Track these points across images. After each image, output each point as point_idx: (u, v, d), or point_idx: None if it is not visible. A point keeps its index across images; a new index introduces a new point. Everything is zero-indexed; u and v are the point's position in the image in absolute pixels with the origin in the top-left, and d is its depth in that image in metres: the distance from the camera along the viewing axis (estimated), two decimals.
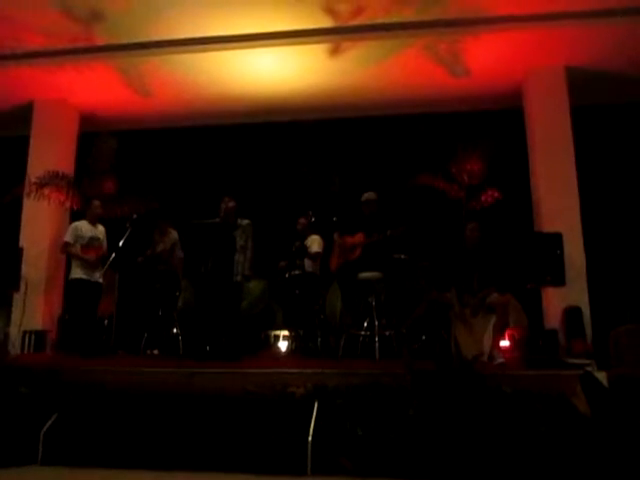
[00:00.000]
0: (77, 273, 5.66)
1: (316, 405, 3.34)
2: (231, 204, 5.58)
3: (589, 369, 3.95)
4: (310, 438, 3.08)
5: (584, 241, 6.28)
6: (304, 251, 5.89)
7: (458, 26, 6.09)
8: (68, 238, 5.72)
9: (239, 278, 5.46)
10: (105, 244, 5.95)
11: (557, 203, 6.44)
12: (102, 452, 3.30)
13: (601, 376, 3.82)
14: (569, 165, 6.51)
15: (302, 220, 6.14)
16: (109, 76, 7.02)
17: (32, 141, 7.50)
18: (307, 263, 5.92)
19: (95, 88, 7.33)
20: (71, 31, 6.15)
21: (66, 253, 5.87)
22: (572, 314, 5.97)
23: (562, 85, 6.68)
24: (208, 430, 3.31)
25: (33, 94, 7.48)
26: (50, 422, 3.43)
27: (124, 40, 6.38)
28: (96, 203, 5.99)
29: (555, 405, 3.14)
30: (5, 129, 8.13)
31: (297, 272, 5.86)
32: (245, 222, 5.62)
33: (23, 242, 6.91)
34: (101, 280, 5.80)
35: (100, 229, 5.96)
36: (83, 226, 5.82)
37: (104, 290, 6.12)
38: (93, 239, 5.78)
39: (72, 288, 5.72)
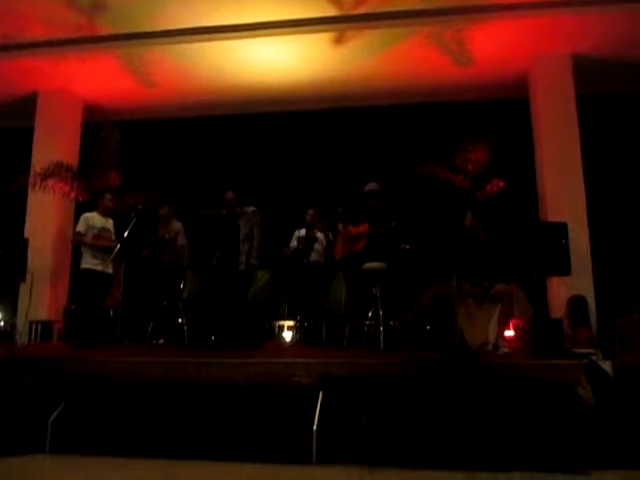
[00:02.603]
0: (88, 263, 5.65)
1: (321, 394, 3.35)
2: (230, 195, 5.61)
3: (594, 358, 3.95)
4: (315, 427, 3.10)
5: (589, 230, 6.26)
6: (312, 240, 5.90)
7: (463, 14, 6.04)
8: (80, 228, 5.70)
9: (243, 267, 5.47)
10: (114, 236, 5.96)
11: (562, 192, 6.42)
12: (109, 441, 3.34)
13: (606, 365, 3.82)
14: (575, 154, 6.47)
15: (311, 211, 6.14)
16: (113, 66, 7.00)
17: (36, 132, 7.51)
18: (314, 254, 5.94)
19: (99, 78, 7.32)
20: (74, 21, 6.14)
21: (77, 242, 5.81)
22: (577, 303, 5.96)
23: (568, 73, 6.64)
24: (213, 419, 3.34)
25: (37, 85, 7.48)
26: (57, 411, 3.46)
27: (127, 30, 6.37)
28: (108, 196, 5.96)
29: (560, 394, 3.15)
30: (9, 120, 8.15)
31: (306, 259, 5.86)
32: (250, 210, 5.62)
33: (28, 233, 6.95)
34: (110, 270, 5.82)
35: (110, 222, 5.96)
36: (94, 217, 5.81)
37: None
38: (104, 230, 5.79)
39: (82, 278, 5.72)
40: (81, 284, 5.75)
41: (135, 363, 4.10)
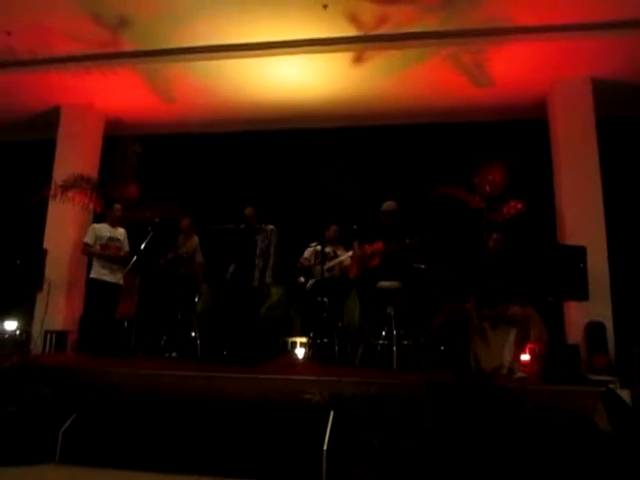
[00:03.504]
0: (96, 273, 5.81)
1: (332, 414, 3.32)
2: (250, 210, 5.66)
3: (612, 386, 3.87)
4: (325, 447, 3.06)
5: (608, 255, 6.17)
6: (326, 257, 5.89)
7: (483, 36, 6.06)
8: (87, 239, 5.90)
9: (257, 283, 5.47)
10: (127, 246, 6.07)
11: (581, 216, 6.35)
12: (119, 453, 3.33)
13: (624, 394, 3.74)
14: (594, 177, 6.41)
15: (333, 227, 6.14)
16: (134, 82, 7.13)
17: (58, 144, 7.64)
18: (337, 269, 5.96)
19: (121, 93, 7.45)
20: (99, 37, 6.27)
21: (86, 253, 6.01)
22: (595, 329, 5.86)
23: (588, 96, 6.60)
24: (224, 435, 3.32)
25: (61, 99, 7.63)
26: (69, 422, 3.47)
27: (150, 47, 6.48)
28: (117, 206, 6.16)
29: (576, 422, 3.08)
30: (33, 133, 8.30)
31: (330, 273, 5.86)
32: (270, 228, 5.67)
33: (47, 243, 7.04)
34: (121, 282, 5.91)
35: (120, 231, 6.11)
36: (102, 227, 5.99)
37: (125, 292, 6.20)
38: (112, 239, 5.95)
39: (90, 287, 5.86)
40: (89, 294, 5.87)
41: (147, 375, 4.11)
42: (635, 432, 3.13)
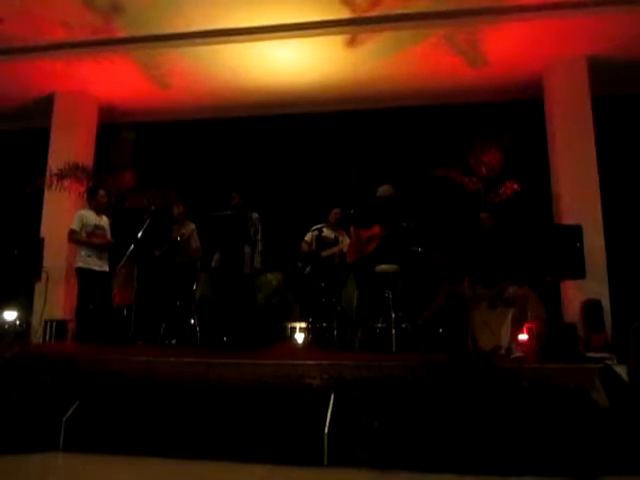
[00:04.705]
0: (83, 262, 5.74)
1: (332, 397, 3.35)
2: (235, 201, 5.64)
3: (609, 363, 3.91)
4: (326, 429, 3.10)
5: (605, 233, 6.19)
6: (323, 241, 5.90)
7: (476, 15, 6.02)
8: (74, 226, 5.79)
9: (248, 270, 5.49)
10: (109, 234, 6.04)
11: (577, 195, 6.36)
12: (121, 439, 3.36)
13: (621, 370, 3.78)
14: (590, 156, 6.41)
15: (336, 210, 6.11)
16: (128, 68, 7.07)
17: (52, 133, 7.61)
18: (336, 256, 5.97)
19: (114, 80, 7.39)
20: (92, 23, 6.21)
21: (73, 241, 5.90)
22: (592, 307, 5.90)
23: (583, 75, 6.58)
24: (225, 420, 3.35)
25: (54, 86, 7.57)
26: (72, 410, 3.50)
27: (143, 32, 6.43)
28: (101, 193, 6.07)
29: (574, 399, 3.12)
30: (27, 121, 8.25)
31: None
32: (255, 216, 5.66)
33: (44, 233, 7.03)
34: (107, 269, 5.89)
35: (104, 219, 6.05)
36: (88, 214, 5.91)
37: (123, 280, 6.20)
38: (98, 227, 5.89)
39: (80, 277, 5.80)
40: (79, 283, 5.82)
41: (148, 363, 4.13)
42: (632, 407, 3.17)
